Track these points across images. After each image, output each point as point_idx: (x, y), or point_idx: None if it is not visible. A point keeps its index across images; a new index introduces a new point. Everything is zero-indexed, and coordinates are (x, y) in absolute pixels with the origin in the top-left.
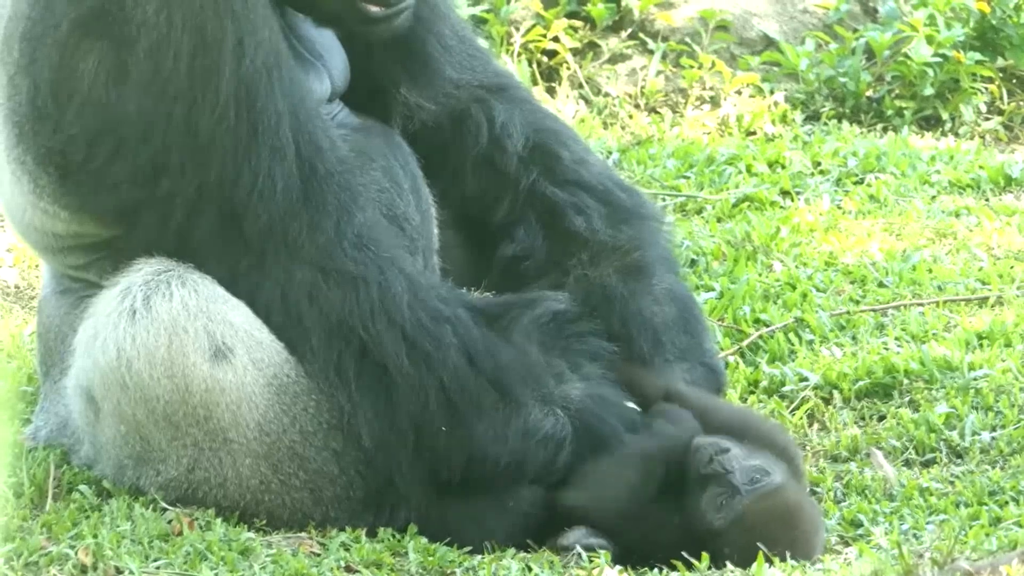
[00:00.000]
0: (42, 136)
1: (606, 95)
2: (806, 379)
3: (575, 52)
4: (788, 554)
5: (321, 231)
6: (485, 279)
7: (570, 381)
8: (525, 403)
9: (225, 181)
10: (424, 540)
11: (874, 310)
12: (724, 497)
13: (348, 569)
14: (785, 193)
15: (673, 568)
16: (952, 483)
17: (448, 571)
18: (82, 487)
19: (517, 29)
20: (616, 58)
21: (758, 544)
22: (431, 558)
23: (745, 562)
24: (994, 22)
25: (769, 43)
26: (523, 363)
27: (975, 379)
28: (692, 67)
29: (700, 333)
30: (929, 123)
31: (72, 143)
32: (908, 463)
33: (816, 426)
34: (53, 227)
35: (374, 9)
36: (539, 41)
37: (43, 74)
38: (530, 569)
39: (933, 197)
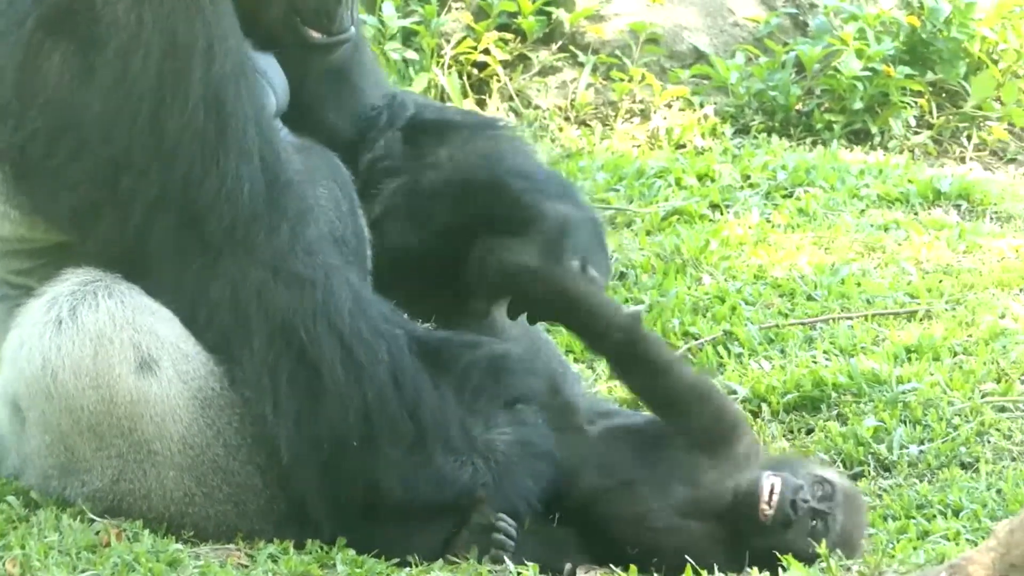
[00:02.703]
0: (2, 134)
1: (536, 107)
2: (735, 392)
3: (506, 64)
4: (862, 531)
5: (278, 234)
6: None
7: (496, 429)
8: (436, 454)
9: (190, 182)
10: (352, 552)
11: (803, 323)
12: (820, 524)
13: None
14: (715, 206)
15: None
16: (880, 496)
17: None
18: (9, 498)
19: (448, 41)
20: (546, 71)
21: (851, 536)
22: (359, 570)
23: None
24: (924, 36)
25: (699, 56)
26: (441, 409)
27: (903, 393)
28: (622, 80)
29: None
30: (859, 137)
31: (33, 139)
32: None
33: None
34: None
35: (315, 35)
36: (470, 53)
37: (6, 72)
38: None
39: (862, 211)
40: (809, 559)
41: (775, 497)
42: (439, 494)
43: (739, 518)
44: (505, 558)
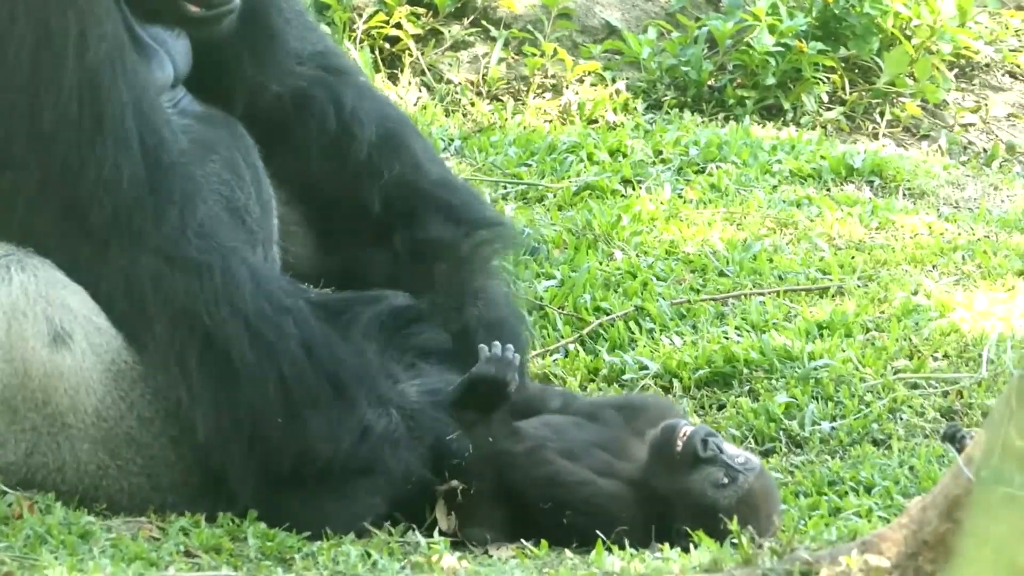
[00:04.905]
0: None
1: (448, 82)
2: (646, 368)
3: (417, 39)
4: (771, 523)
5: (166, 219)
6: (325, 256)
7: (407, 380)
8: (359, 403)
9: (69, 172)
10: (263, 526)
11: (714, 299)
12: (725, 477)
13: (188, 554)
14: (626, 182)
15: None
16: (792, 473)
17: (287, 557)
18: None
19: (360, 15)
20: (458, 45)
21: (755, 516)
22: (270, 543)
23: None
24: (837, 11)
25: (611, 31)
26: (359, 362)
27: (815, 369)
28: (534, 55)
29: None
30: (771, 113)
31: None
32: None
33: None
34: None
35: (194, 9)
36: (381, 28)
37: None
38: (369, 556)
39: (774, 187)
40: (713, 516)
41: (687, 433)
42: (363, 443)
43: (651, 461)
44: (416, 532)
